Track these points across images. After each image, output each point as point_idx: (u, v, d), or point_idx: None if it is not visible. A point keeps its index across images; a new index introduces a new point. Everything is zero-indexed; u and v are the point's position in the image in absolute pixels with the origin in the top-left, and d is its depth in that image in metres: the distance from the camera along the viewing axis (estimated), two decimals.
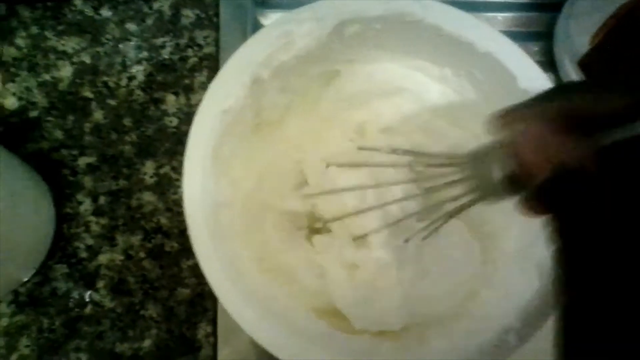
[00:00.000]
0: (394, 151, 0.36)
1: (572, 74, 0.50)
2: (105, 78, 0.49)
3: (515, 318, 0.34)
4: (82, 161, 0.48)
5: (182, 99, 0.49)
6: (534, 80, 0.37)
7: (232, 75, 0.37)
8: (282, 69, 0.38)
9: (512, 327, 0.34)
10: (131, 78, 0.50)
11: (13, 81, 0.49)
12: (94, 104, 0.49)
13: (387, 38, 0.40)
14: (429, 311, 0.40)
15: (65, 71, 0.49)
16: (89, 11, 0.51)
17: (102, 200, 0.47)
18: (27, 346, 0.44)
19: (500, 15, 0.54)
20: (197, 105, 0.37)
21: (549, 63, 0.53)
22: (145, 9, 0.51)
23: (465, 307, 0.39)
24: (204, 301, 0.46)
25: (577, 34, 0.50)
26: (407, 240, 0.37)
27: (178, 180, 0.47)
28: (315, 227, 0.43)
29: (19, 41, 0.50)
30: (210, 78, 0.45)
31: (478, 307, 0.38)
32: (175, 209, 0.47)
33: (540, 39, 0.54)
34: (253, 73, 0.37)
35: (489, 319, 0.36)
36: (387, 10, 0.38)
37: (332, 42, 0.39)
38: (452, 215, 0.33)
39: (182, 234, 0.47)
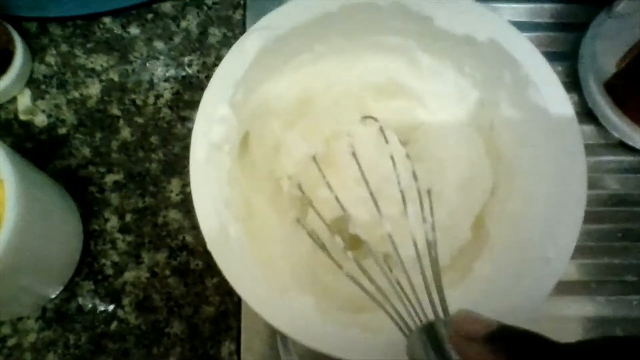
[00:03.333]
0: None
1: (597, 95, 0.50)
2: (132, 96, 0.50)
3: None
4: (109, 178, 0.48)
5: None
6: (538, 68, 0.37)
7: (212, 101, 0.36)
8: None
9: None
10: (158, 96, 0.50)
11: (43, 98, 0.49)
12: (121, 122, 0.49)
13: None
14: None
15: (94, 89, 0.50)
16: (117, 29, 0.51)
17: (128, 217, 0.48)
18: None
19: (524, 34, 0.54)
20: None
21: (573, 83, 0.53)
22: (173, 27, 0.52)
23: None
24: (227, 319, 0.46)
25: (603, 55, 0.50)
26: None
27: None
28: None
29: (50, 59, 0.50)
30: None
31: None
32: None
33: (564, 59, 0.54)
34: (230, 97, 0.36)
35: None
36: None
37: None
38: None
39: (207, 252, 0.47)
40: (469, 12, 0.36)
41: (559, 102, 0.35)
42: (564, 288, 0.49)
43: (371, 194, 0.35)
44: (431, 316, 0.31)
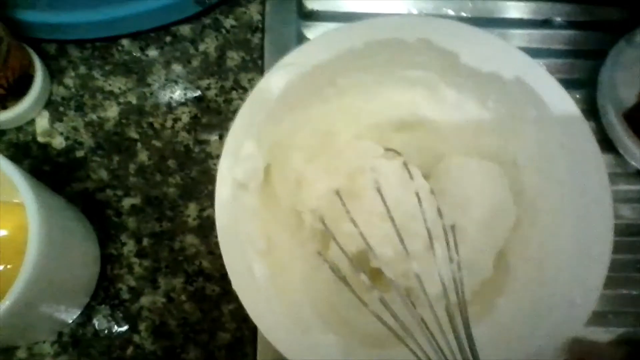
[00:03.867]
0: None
1: (616, 124, 0.50)
2: (150, 119, 0.50)
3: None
4: (127, 202, 0.48)
5: None
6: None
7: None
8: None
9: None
10: (176, 119, 0.50)
11: (61, 120, 0.49)
12: (139, 145, 0.49)
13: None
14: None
15: (112, 111, 0.50)
16: (136, 52, 0.51)
17: (145, 241, 0.48)
18: None
19: (542, 61, 0.54)
20: None
21: (591, 111, 0.53)
22: (192, 51, 0.52)
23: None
24: (243, 346, 0.46)
25: (623, 84, 0.50)
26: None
27: None
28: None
29: (68, 81, 0.50)
30: None
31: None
32: (217, 252, 0.47)
33: (583, 86, 0.53)
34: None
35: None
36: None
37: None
38: None
39: (224, 277, 0.47)
40: (495, 50, 0.36)
41: (585, 141, 0.35)
42: None
43: (397, 230, 0.35)
44: (456, 354, 0.31)
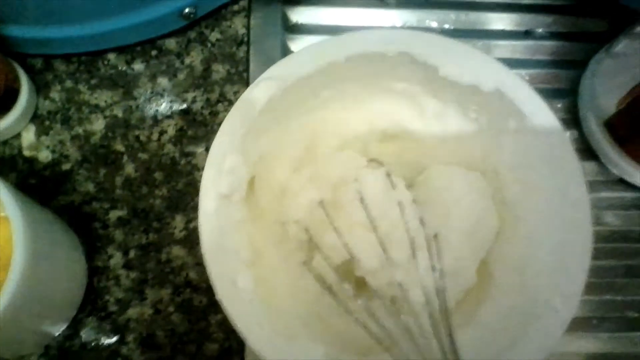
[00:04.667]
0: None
1: (597, 132, 0.51)
2: (136, 132, 0.50)
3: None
4: (113, 214, 0.48)
5: None
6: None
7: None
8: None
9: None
10: (162, 132, 0.50)
11: (47, 134, 0.50)
12: (125, 158, 0.50)
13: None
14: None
15: (98, 125, 0.50)
16: (122, 65, 0.52)
17: (132, 254, 0.48)
18: None
19: (524, 72, 0.55)
20: None
21: (572, 120, 0.54)
22: (177, 64, 0.52)
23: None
24: (231, 357, 0.46)
25: (603, 94, 0.51)
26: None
27: None
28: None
29: (54, 94, 0.50)
30: None
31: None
32: (204, 263, 0.48)
33: (564, 96, 0.54)
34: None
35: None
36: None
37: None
38: None
39: (211, 288, 0.46)
40: (475, 62, 0.37)
41: (564, 152, 0.36)
42: None
43: (380, 240, 0.35)
44: None
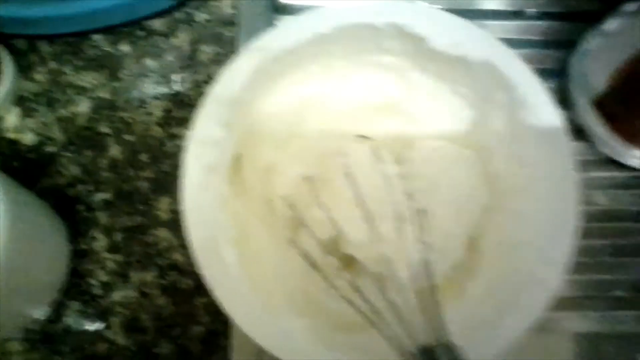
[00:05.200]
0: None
1: (587, 112, 0.50)
2: (122, 114, 0.50)
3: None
4: (98, 197, 0.48)
5: None
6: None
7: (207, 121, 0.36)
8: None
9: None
10: (149, 114, 0.50)
11: (31, 116, 0.49)
12: (111, 140, 0.49)
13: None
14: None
15: (83, 106, 0.49)
16: (107, 47, 0.51)
17: (117, 236, 0.47)
18: None
19: (514, 52, 0.54)
20: None
21: (563, 100, 0.53)
22: (164, 45, 0.51)
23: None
24: (217, 339, 0.46)
25: (593, 73, 0.50)
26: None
27: None
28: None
29: (38, 76, 0.50)
30: None
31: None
32: None
33: (555, 76, 0.54)
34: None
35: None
36: None
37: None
38: None
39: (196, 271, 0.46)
40: (463, 33, 0.36)
41: (553, 124, 0.35)
42: (554, 304, 0.49)
43: (366, 214, 0.35)
44: (427, 338, 0.31)
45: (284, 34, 0.36)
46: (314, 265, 0.36)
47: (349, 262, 0.38)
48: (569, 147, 0.35)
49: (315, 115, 0.41)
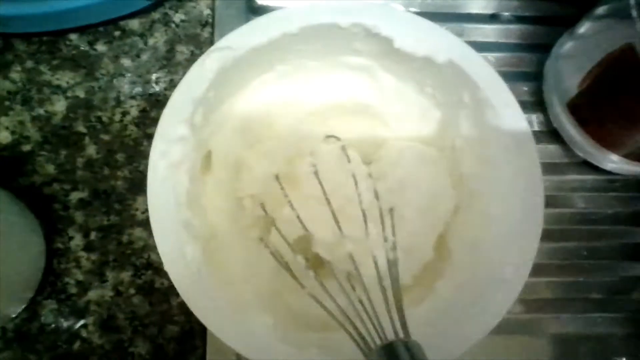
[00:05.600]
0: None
1: (561, 114, 0.51)
2: (99, 113, 0.50)
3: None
4: (74, 196, 0.48)
5: None
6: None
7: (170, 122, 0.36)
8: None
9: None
10: (125, 113, 0.50)
11: (7, 115, 0.49)
12: (87, 139, 0.49)
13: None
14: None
15: (59, 105, 0.50)
16: (84, 46, 0.51)
17: (93, 235, 0.47)
18: None
19: (490, 55, 0.55)
20: None
21: (538, 103, 0.54)
22: (141, 45, 0.51)
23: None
24: (193, 339, 0.46)
25: (566, 76, 0.51)
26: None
27: None
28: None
29: (14, 75, 0.50)
30: None
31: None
32: None
33: (530, 79, 0.54)
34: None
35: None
36: None
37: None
38: None
39: None
40: (428, 34, 0.37)
41: (517, 123, 0.36)
42: (530, 305, 0.49)
43: (333, 212, 0.35)
44: (391, 336, 0.31)
45: (250, 33, 0.36)
46: (284, 265, 0.36)
47: (319, 262, 0.38)
48: (534, 148, 0.35)
49: (285, 115, 0.41)
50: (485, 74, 0.36)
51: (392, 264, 0.34)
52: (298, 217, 0.35)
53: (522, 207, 0.35)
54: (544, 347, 0.49)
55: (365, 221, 0.35)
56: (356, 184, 0.36)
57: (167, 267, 0.32)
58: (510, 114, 0.36)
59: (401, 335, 0.30)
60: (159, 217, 0.33)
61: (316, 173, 0.36)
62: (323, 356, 0.33)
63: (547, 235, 0.50)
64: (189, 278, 0.32)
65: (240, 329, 0.32)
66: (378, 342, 0.30)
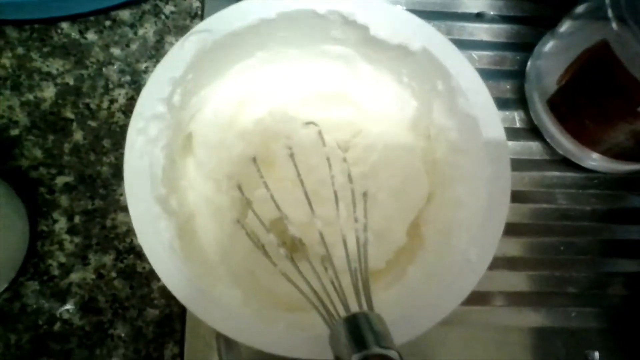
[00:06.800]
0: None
1: (541, 112, 0.52)
2: (87, 100, 0.51)
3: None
4: (60, 180, 0.49)
5: None
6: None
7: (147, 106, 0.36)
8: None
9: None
10: (113, 101, 0.51)
11: None
12: (74, 125, 0.50)
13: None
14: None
15: (49, 92, 0.51)
16: (75, 34, 0.52)
17: (77, 219, 0.48)
18: None
19: (474, 53, 0.56)
20: None
21: (520, 100, 0.55)
22: (130, 35, 0.53)
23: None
24: (172, 322, 0.46)
25: (547, 74, 0.52)
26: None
27: None
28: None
29: (5, 61, 0.51)
30: None
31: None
32: None
33: (512, 77, 0.55)
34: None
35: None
36: None
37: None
38: None
39: None
40: (403, 22, 0.38)
41: (487, 112, 0.36)
42: (508, 299, 0.50)
43: (305, 194, 0.36)
44: (356, 310, 0.32)
45: (229, 17, 0.37)
46: (260, 246, 0.37)
47: (295, 246, 0.39)
48: (502, 136, 0.36)
49: (264, 102, 0.42)
50: (457, 62, 0.37)
51: (362, 245, 0.35)
52: (272, 197, 0.36)
53: (490, 192, 0.36)
54: (520, 340, 0.50)
55: (337, 202, 0.35)
56: (330, 167, 0.36)
57: (140, 239, 0.33)
58: (480, 103, 0.37)
59: (365, 308, 0.31)
60: (135, 191, 0.34)
61: (292, 156, 0.37)
62: (292, 331, 0.34)
63: (526, 231, 0.52)
64: (161, 250, 0.33)
65: (210, 301, 0.33)
66: (343, 315, 0.31)
